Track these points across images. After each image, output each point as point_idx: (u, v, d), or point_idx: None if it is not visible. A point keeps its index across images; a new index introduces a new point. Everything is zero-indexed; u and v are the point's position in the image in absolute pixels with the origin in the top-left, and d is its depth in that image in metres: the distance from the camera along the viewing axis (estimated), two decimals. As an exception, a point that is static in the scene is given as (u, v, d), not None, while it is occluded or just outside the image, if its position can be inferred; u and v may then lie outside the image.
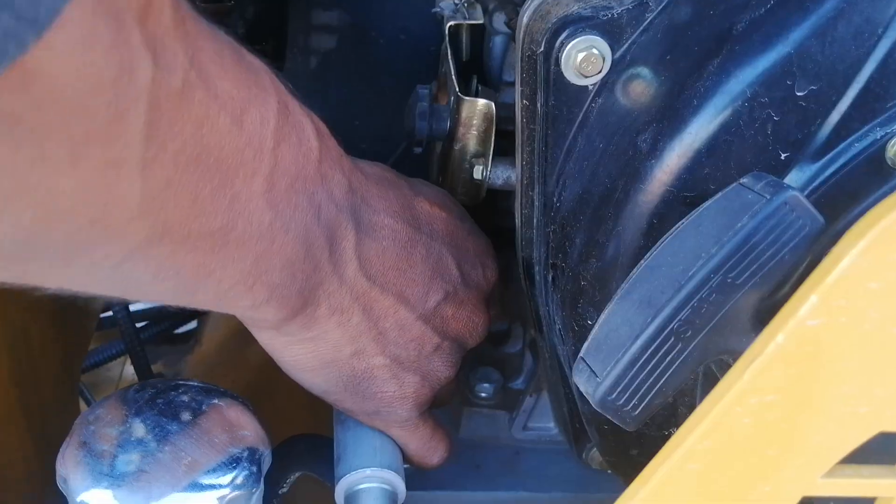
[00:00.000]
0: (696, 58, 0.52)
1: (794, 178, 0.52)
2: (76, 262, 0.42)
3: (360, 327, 0.58)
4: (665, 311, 0.43)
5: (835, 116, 0.50)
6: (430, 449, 0.68)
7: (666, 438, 0.61)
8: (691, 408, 0.58)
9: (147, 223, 0.42)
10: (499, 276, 0.70)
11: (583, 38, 0.56)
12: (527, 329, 0.81)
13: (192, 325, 1.09)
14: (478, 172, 0.69)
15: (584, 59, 0.56)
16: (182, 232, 0.44)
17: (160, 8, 0.39)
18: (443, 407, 0.73)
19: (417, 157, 0.79)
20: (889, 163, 0.50)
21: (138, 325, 1.02)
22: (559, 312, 0.63)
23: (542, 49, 0.58)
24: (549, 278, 0.64)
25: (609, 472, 0.71)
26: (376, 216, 0.58)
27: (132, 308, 1.05)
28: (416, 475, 0.76)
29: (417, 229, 0.61)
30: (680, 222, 0.46)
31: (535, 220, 0.64)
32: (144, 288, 0.47)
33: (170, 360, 1.07)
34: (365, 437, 0.63)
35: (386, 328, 0.60)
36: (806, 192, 0.52)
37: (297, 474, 0.70)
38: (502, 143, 0.69)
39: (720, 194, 0.45)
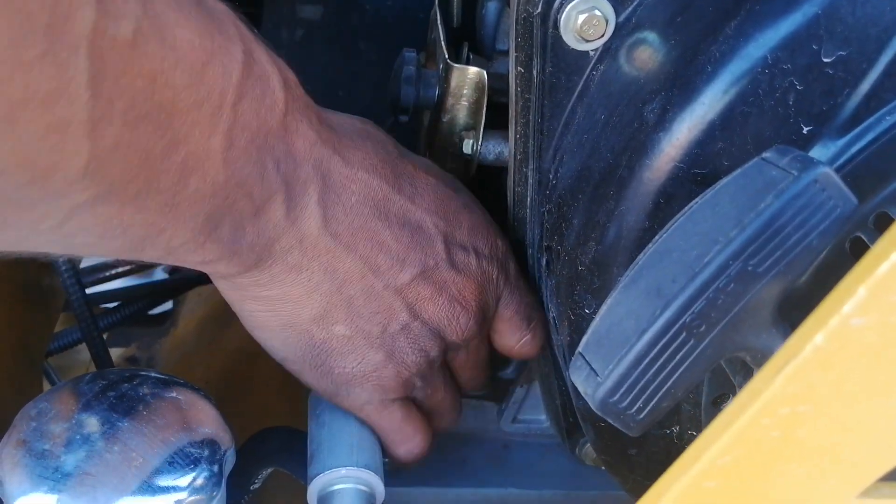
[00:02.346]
0: (710, 19, 0.47)
1: (818, 154, 0.47)
2: (12, 221, 0.39)
3: (322, 288, 0.53)
4: (676, 303, 0.38)
5: (865, 86, 0.45)
6: (395, 441, 0.62)
7: (667, 438, 0.57)
8: (696, 405, 0.53)
9: (92, 183, 0.38)
10: (503, 273, 0.61)
11: (584, -3, 0.50)
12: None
13: (168, 306, 1.04)
14: (467, 146, 0.64)
15: (585, 21, 0.51)
16: (130, 191, 0.40)
17: None
18: (440, 431, 0.66)
19: (406, 132, 0.74)
20: (924, 139, 0.45)
21: (110, 305, 0.98)
22: (553, 300, 0.58)
23: (539, 10, 0.52)
24: (544, 262, 0.59)
25: (604, 469, 0.66)
26: (347, 169, 0.53)
27: (106, 287, 1.01)
28: (398, 469, 0.72)
29: (397, 190, 0.55)
30: (693, 201, 0.41)
31: (528, 199, 0.59)
32: (90, 247, 0.45)
33: (144, 343, 1.02)
34: (341, 434, 0.57)
35: (351, 295, 0.54)
36: (830, 171, 0.47)
37: (269, 469, 0.65)
38: (494, 116, 0.64)
39: (739, 170, 0.40)
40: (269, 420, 0.70)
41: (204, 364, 0.97)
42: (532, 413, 0.75)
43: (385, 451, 0.63)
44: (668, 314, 0.38)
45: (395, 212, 0.55)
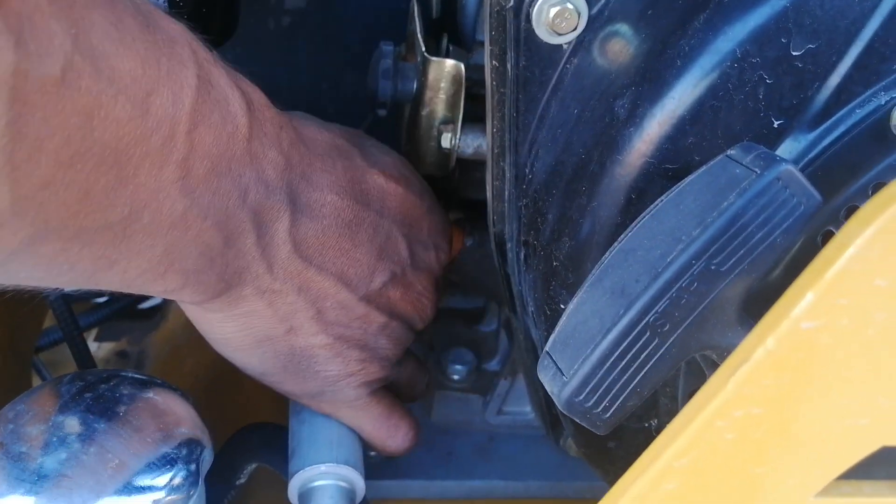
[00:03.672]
0: (680, 12, 0.46)
1: (789, 147, 0.46)
2: None
3: (296, 306, 0.53)
4: (640, 303, 0.37)
5: (834, 79, 0.45)
6: (387, 431, 0.63)
7: (646, 431, 0.57)
8: (673, 398, 0.53)
9: (23, 224, 0.37)
10: (449, 257, 0.66)
11: (556, -9, 0.50)
12: (502, 307, 0.77)
13: (158, 300, 1.04)
14: (446, 140, 0.64)
15: (557, 14, 0.51)
16: (72, 229, 0.39)
17: None
18: (415, 400, 0.69)
19: (388, 124, 0.73)
20: (894, 130, 0.45)
21: (99, 300, 0.98)
22: (531, 294, 0.58)
23: (511, 4, 0.52)
24: (522, 257, 0.59)
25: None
26: (317, 193, 0.52)
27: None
28: (383, 463, 0.72)
29: (366, 206, 0.56)
30: (659, 199, 0.41)
31: (506, 193, 0.59)
32: (38, 281, 0.42)
33: (135, 338, 1.02)
34: (321, 430, 0.58)
35: (326, 308, 0.55)
36: (801, 164, 0.47)
37: (253, 465, 0.65)
38: (476, 108, 0.63)
39: (704, 168, 0.40)
40: (257, 414, 0.70)
41: (194, 358, 0.97)
42: (517, 405, 0.75)
43: (377, 444, 0.63)
44: (631, 314, 0.38)
45: (365, 228, 0.56)
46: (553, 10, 0.51)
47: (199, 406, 0.97)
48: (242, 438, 0.63)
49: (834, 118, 0.46)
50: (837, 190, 0.46)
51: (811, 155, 0.46)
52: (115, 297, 0.96)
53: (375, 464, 0.72)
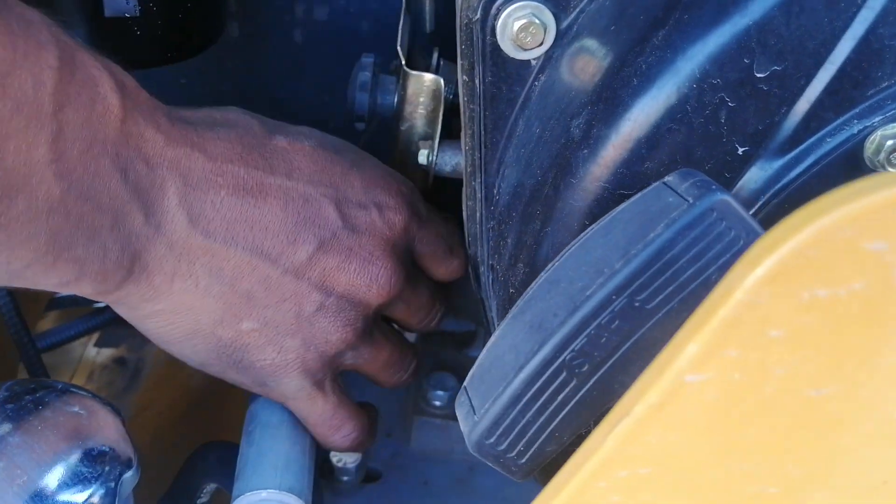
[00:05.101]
0: (639, 28, 0.43)
1: (754, 176, 0.43)
2: None
3: (213, 290, 0.50)
4: (554, 339, 0.34)
5: (803, 105, 0.42)
6: (328, 429, 0.59)
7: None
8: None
9: None
10: (414, 216, 0.58)
11: (521, 3, 0.47)
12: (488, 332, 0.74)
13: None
14: (423, 157, 0.61)
15: (521, 28, 0.48)
16: None
17: None
18: (398, 386, 0.63)
19: (384, 139, 0.71)
20: (867, 163, 0.41)
21: (99, 304, 0.97)
22: (496, 321, 0.55)
23: (478, 16, 0.49)
24: (490, 281, 0.56)
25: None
26: (210, 164, 0.50)
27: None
28: (354, 487, 0.69)
29: (269, 170, 0.52)
30: (589, 227, 0.38)
31: (478, 214, 0.56)
32: None
33: (135, 344, 1.01)
34: (268, 453, 0.55)
35: (247, 289, 0.51)
36: (768, 195, 0.43)
37: (213, 485, 0.63)
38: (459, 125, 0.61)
39: (639, 195, 0.37)
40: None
41: (192, 368, 0.95)
42: (499, 435, 0.72)
43: (319, 439, 0.60)
44: (545, 351, 0.34)
45: (273, 194, 0.52)
46: (517, 24, 0.48)
47: (194, 417, 0.95)
48: (200, 457, 0.61)
49: (803, 146, 0.42)
50: (806, 224, 0.42)
51: (779, 185, 0.43)
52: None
53: (346, 489, 0.70)
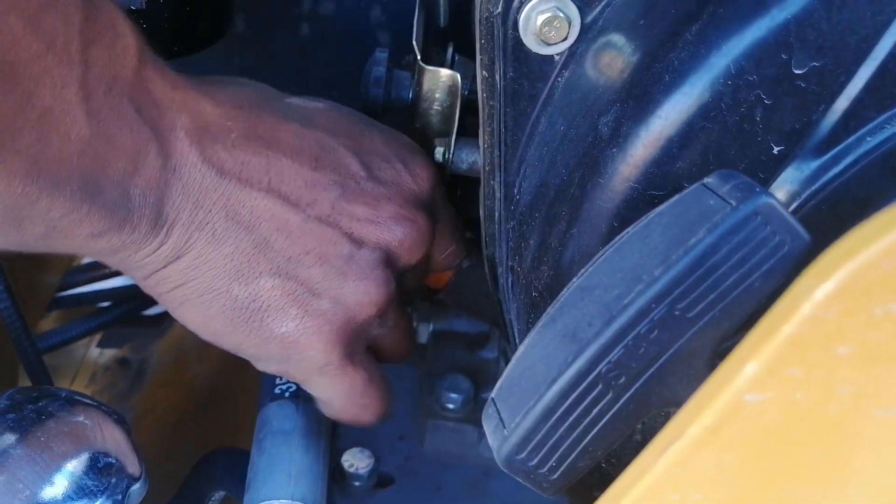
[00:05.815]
0: (671, 22, 0.42)
1: (790, 177, 0.41)
2: None
3: (229, 238, 0.47)
4: (590, 350, 0.33)
5: (843, 102, 0.40)
6: (361, 405, 0.54)
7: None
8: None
9: None
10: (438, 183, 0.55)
11: (545, -4, 0.46)
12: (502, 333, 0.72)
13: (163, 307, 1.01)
14: (438, 154, 0.60)
15: (545, 22, 0.46)
16: None
17: None
18: (396, 363, 0.60)
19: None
20: (910, 163, 0.40)
21: (103, 304, 0.95)
22: (516, 324, 0.53)
23: (499, 10, 0.48)
24: (509, 283, 0.54)
25: None
26: (221, 108, 0.48)
27: (100, 286, 0.98)
28: (365, 493, 0.68)
29: (285, 118, 0.50)
30: (626, 230, 0.36)
31: (496, 214, 0.55)
32: None
33: (138, 345, 0.99)
34: (280, 462, 0.54)
35: (266, 236, 0.48)
36: (804, 196, 0.41)
37: (221, 493, 0.61)
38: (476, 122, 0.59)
39: (677, 197, 0.35)
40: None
41: (194, 370, 0.94)
42: (514, 439, 0.70)
43: (345, 420, 0.56)
44: (580, 362, 0.33)
45: (288, 139, 0.49)
46: (541, 18, 0.46)
47: (200, 420, 0.94)
48: (208, 464, 0.59)
49: (842, 146, 0.41)
50: (845, 226, 0.40)
51: (815, 186, 0.41)
52: (119, 301, 0.93)
53: (358, 494, 0.69)
